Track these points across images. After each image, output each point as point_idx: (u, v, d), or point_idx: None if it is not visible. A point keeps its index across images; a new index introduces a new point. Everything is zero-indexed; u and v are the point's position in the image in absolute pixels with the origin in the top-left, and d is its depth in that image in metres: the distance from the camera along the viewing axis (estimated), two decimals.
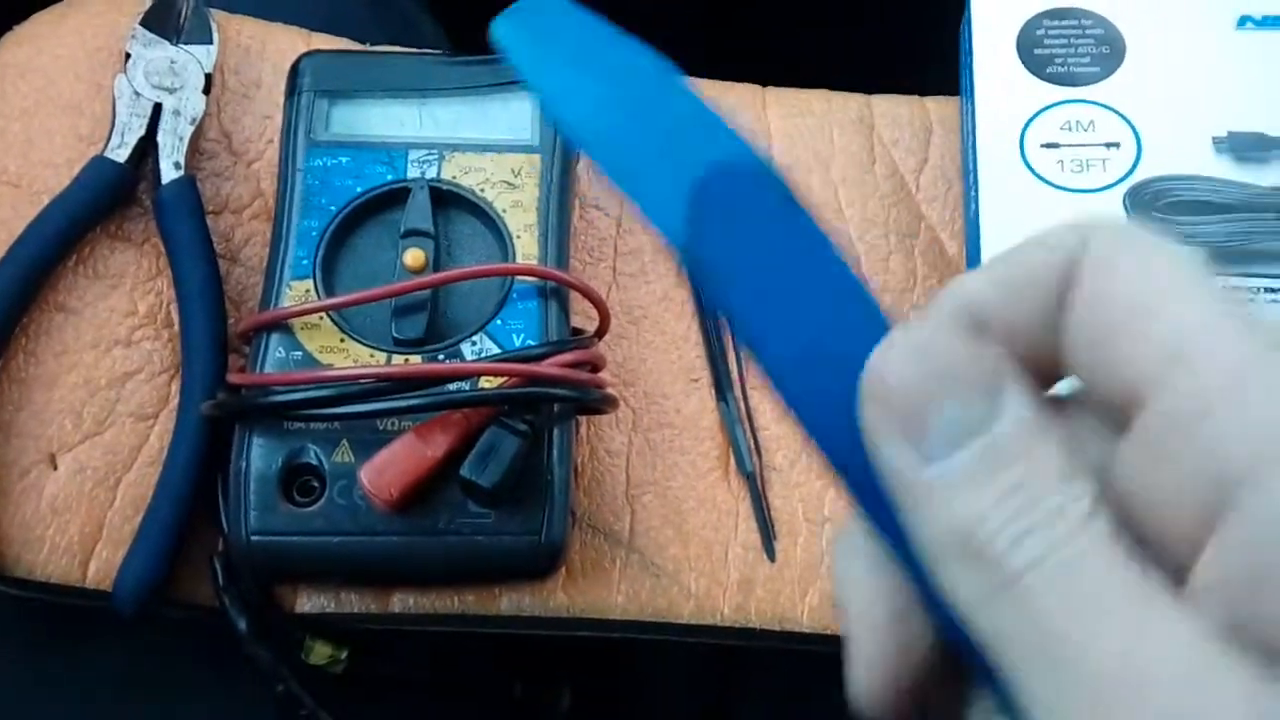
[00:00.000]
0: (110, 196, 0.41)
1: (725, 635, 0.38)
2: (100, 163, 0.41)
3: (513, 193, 0.39)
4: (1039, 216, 0.43)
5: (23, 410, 0.38)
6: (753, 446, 0.40)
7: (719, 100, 0.47)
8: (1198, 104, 0.44)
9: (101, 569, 0.37)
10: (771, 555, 0.39)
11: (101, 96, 0.43)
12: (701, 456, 0.40)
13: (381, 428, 0.35)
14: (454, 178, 0.39)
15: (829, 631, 0.38)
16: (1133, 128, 0.44)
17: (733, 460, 0.40)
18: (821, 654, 0.39)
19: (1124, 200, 0.43)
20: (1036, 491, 0.15)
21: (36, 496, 0.37)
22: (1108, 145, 0.44)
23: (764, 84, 0.48)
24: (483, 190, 0.39)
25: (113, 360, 0.39)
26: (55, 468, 0.38)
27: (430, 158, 0.40)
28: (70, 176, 0.40)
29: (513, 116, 0.41)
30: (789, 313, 0.17)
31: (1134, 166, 0.43)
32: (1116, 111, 0.44)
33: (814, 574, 0.39)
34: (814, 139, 0.46)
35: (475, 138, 0.40)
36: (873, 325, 0.17)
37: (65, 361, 0.39)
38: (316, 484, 0.35)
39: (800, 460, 0.40)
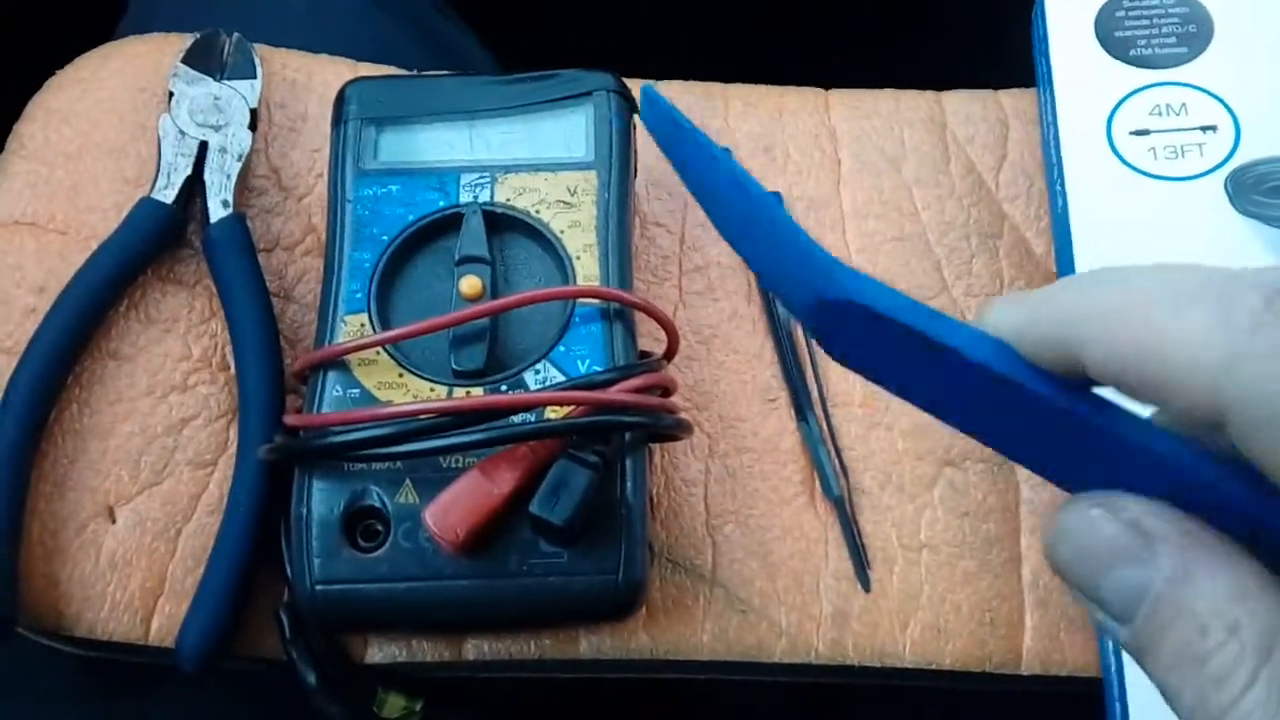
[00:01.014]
0: (159, 239, 0.40)
1: (821, 673, 0.36)
2: (147, 205, 0.40)
3: (570, 212, 0.37)
4: (1134, 208, 0.40)
5: (78, 462, 0.37)
6: (838, 468, 0.38)
7: (781, 104, 0.45)
8: None
9: (164, 625, 0.36)
10: (866, 585, 0.37)
11: (146, 137, 0.42)
12: (784, 482, 0.38)
13: (445, 465, 0.33)
14: (508, 200, 0.38)
15: (934, 666, 0.36)
16: (1229, 109, 0.41)
17: (818, 484, 0.38)
18: (926, 689, 0.36)
19: (1225, 186, 0.40)
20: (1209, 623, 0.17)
21: (95, 551, 0.36)
22: (1203, 129, 0.41)
23: (826, 87, 0.46)
24: (538, 211, 0.37)
25: (169, 407, 0.38)
26: (113, 521, 0.37)
27: (483, 181, 0.38)
28: (118, 220, 0.39)
29: (566, 133, 0.39)
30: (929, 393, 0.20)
31: (1233, 150, 0.40)
32: (1209, 93, 0.41)
33: (914, 604, 0.36)
34: (883, 140, 0.44)
35: (528, 157, 0.39)
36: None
37: (120, 410, 0.38)
38: (380, 527, 0.33)
39: (890, 482, 0.38)
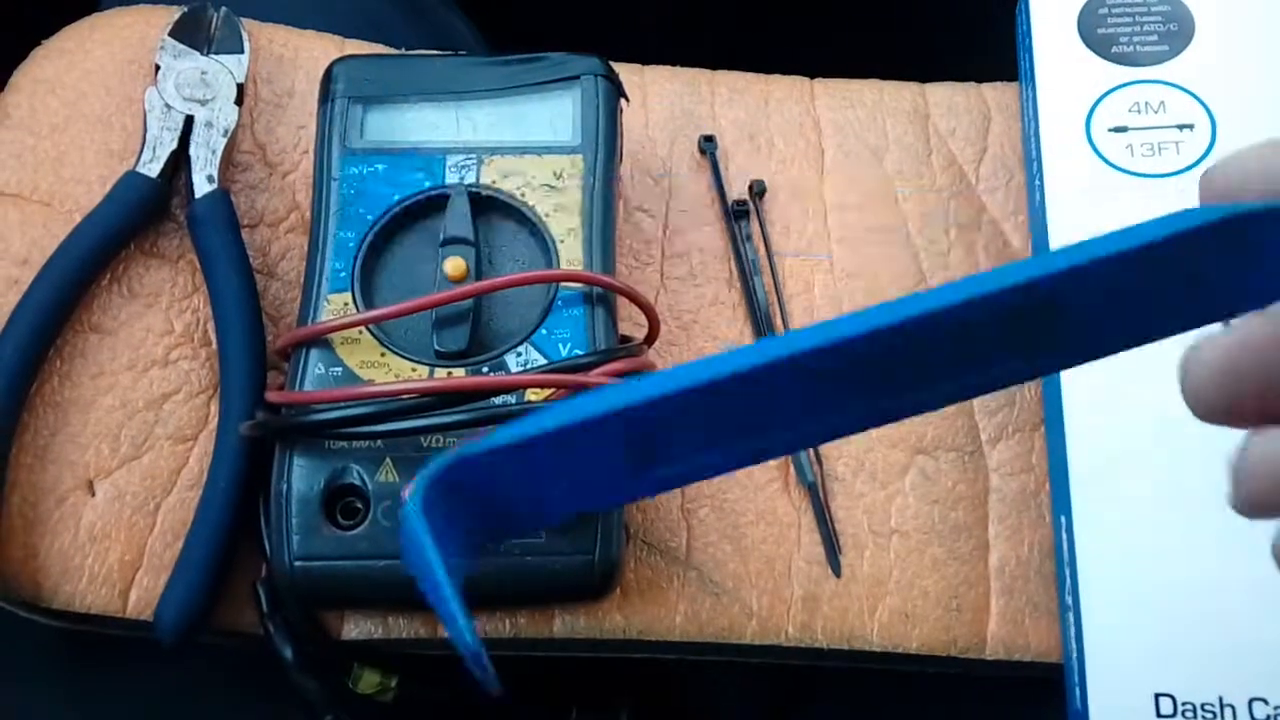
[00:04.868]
0: (143, 212, 0.40)
1: (790, 655, 0.37)
2: (132, 178, 0.40)
3: (555, 196, 0.38)
4: (1110, 204, 0.40)
5: (58, 435, 0.37)
6: (813, 455, 0.38)
7: (767, 92, 0.45)
8: (1275, 80, 0.42)
9: (142, 598, 0.36)
10: (837, 570, 0.37)
11: (132, 110, 0.42)
12: (759, 468, 0.39)
13: (425, 445, 0.34)
14: (493, 182, 0.38)
15: (901, 650, 0.36)
16: (1206, 108, 0.42)
17: (792, 470, 0.38)
18: (893, 673, 0.37)
19: (1200, 185, 0.40)
20: None
21: (74, 524, 0.36)
22: (1180, 127, 0.41)
23: (812, 75, 0.46)
24: (523, 194, 0.38)
25: (150, 381, 0.38)
26: (93, 494, 0.37)
27: (469, 162, 0.38)
28: (102, 193, 0.39)
29: (553, 117, 0.39)
30: None
31: (1209, 148, 0.41)
32: (1188, 91, 0.42)
33: (883, 589, 0.37)
34: (866, 131, 0.44)
35: (514, 140, 0.39)
36: None
37: (101, 384, 0.38)
38: (360, 505, 0.34)
39: (863, 469, 0.39)
